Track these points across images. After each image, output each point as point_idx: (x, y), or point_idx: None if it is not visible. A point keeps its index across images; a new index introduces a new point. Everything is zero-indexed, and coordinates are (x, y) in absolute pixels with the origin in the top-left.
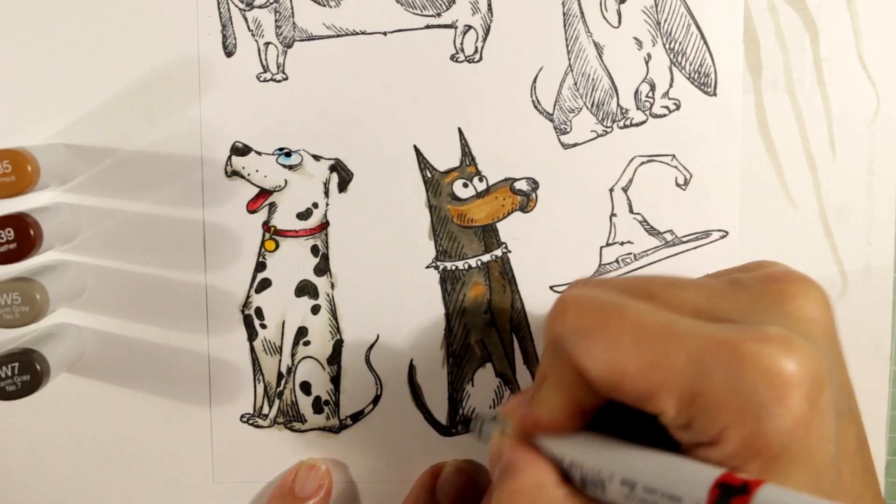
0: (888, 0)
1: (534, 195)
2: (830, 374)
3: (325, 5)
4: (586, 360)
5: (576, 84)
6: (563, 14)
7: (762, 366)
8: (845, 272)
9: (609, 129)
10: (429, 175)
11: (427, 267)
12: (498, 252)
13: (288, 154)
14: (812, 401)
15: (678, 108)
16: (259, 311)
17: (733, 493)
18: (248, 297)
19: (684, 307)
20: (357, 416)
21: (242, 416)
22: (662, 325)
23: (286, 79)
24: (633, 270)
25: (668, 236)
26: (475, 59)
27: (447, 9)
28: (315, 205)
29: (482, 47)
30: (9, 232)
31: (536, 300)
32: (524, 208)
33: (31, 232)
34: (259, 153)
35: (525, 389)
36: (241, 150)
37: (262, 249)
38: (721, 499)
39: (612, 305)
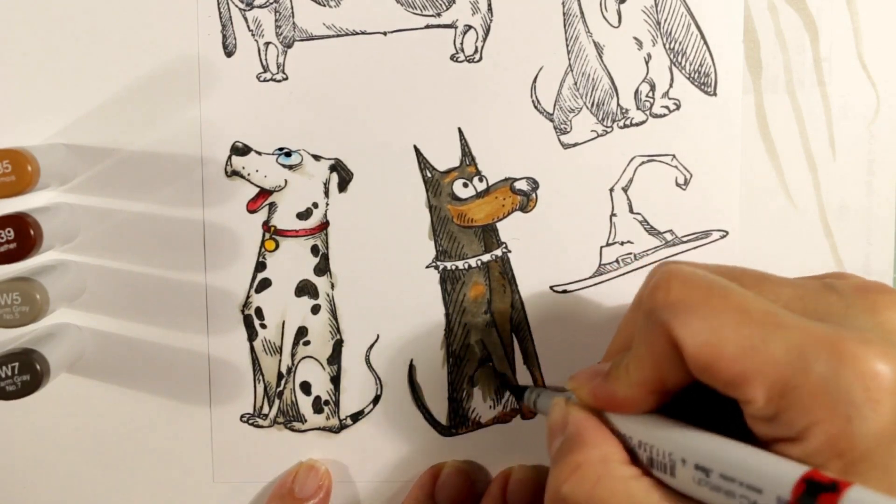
0: (888, 0)
1: (534, 195)
2: None
3: (325, 5)
4: (685, 334)
5: (576, 84)
6: (563, 14)
7: (861, 368)
8: (845, 272)
9: (609, 129)
10: (429, 175)
11: (427, 267)
12: (498, 252)
13: (288, 154)
14: None
15: (678, 108)
16: (259, 311)
17: (821, 490)
18: (248, 296)
19: (777, 301)
20: (357, 416)
21: (242, 416)
22: (766, 312)
23: (286, 79)
24: (633, 271)
25: (669, 236)
26: (475, 59)
27: (447, 9)
28: (315, 205)
29: (482, 47)
30: (9, 232)
31: (536, 300)
32: (524, 208)
33: (31, 232)
34: (259, 153)
35: (595, 365)
36: (241, 150)
37: (262, 249)
38: (807, 495)
39: (717, 284)
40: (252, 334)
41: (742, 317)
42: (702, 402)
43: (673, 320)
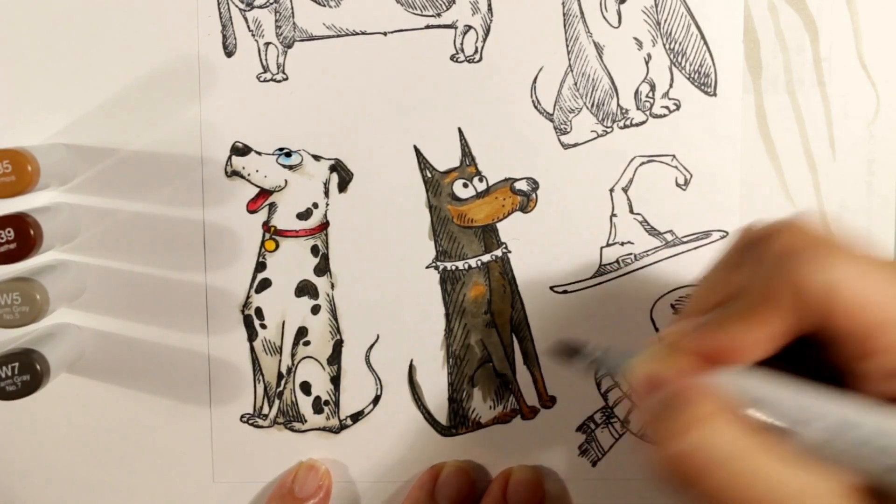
0: (888, 0)
1: (534, 195)
2: None
3: (325, 5)
4: (830, 274)
5: (576, 84)
6: (563, 14)
7: None
8: None
9: (609, 130)
10: (429, 175)
11: (427, 267)
12: (498, 252)
13: (288, 154)
14: None
15: (678, 108)
16: (259, 311)
17: None
18: (248, 297)
19: None
20: (357, 417)
21: (242, 417)
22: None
23: (286, 79)
24: (633, 271)
25: (669, 236)
26: (475, 60)
27: (447, 9)
28: (315, 205)
29: (482, 47)
30: (9, 232)
31: (537, 300)
32: (524, 208)
33: (31, 232)
34: (259, 153)
35: (684, 315)
36: (241, 150)
37: (262, 249)
38: None
39: (840, 238)
40: (252, 334)
41: (872, 266)
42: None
43: (804, 263)
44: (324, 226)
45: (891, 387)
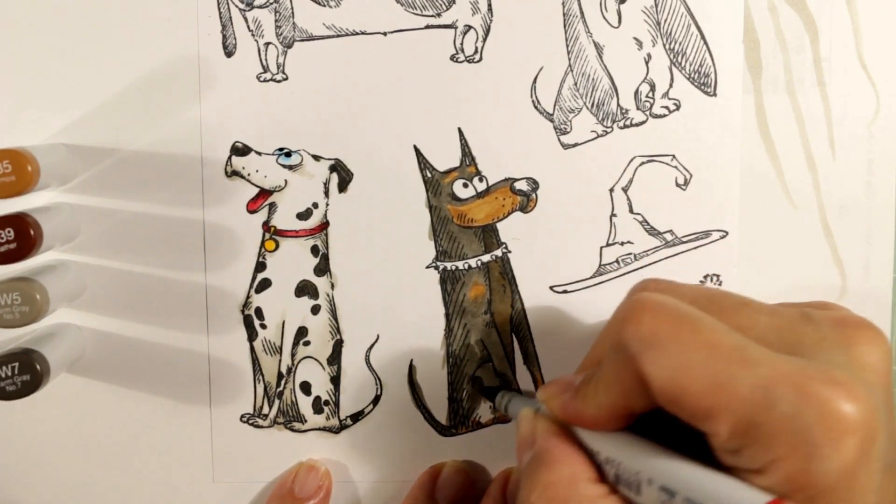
0: (888, 0)
1: (534, 195)
2: (884, 426)
3: (325, 5)
4: (652, 369)
5: (576, 84)
6: (564, 14)
7: (825, 408)
8: (845, 272)
9: (609, 130)
10: (429, 175)
11: (427, 267)
12: (498, 252)
13: (288, 154)
14: (864, 450)
15: (678, 108)
16: (259, 311)
17: None
18: (248, 297)
19: (753, 329)
20: (357, 417)
21: (242, 416)
22: (735, 348)
23: (286, 79)
24: (633, 271)
25: (668, 236)
26: (475, 60)
27: (447, 9)
28: (315, 205)
29: (482, 47)
30: (9, 232)
31: (536, 300)
32: (524, 208)
33: (31, 232)
34: (259, 153)
35: (565, 376)
36: (241, 150)
37: (262, 249)
38: None
39: (687, 318)
40: (252, 334)
41: (710, 352)
42: (670, 421)
43: (641, 354)
44: (324, 226)
45: (731, 461)
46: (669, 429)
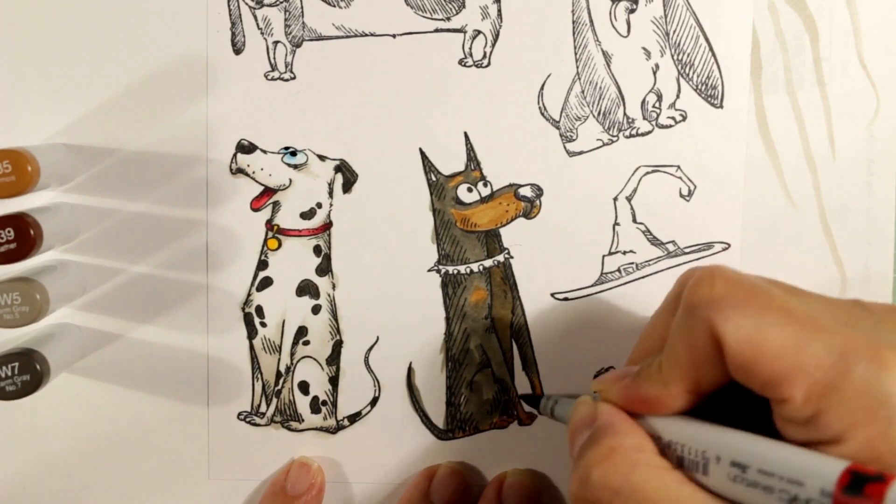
0: (888, 0)
1: (538, 202)
2: None
3: (334, 6)
4: (728, 329)
5: (583, 92)
6: (573, 22)
7: None
8: (845, 272)
9: (615, 138)
10: (433, 178)
11: (429, 270)
12: (500, 257)
13: (293, 153)
14: None
15: (684, 119)
16: (259, 310)
17: (867, 481)
18: (248, 294)
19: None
20: (354, 418)
21: (240, 414)
22: (809, 315)
23: (294, 78)
24: (634, 280)
25: (671, 247)
26: (483, 65)
27: (457, 13)
28: (319, 205)
29: (491, 52)
30: (9, 232)
31: (537, 307)
32: (528, 214)
33: (31, 232)
34: (265, 151)
35: (621, 369)
36: (246, 147)
37: (265, 248)
38: (852, 486)
39: (760, 285)
40: (252, 332)
41: (785, 317)
42: (730, 408)
43: (717, 315)
44: (327, 226)
45: (802, 434)
46: (729, 417)
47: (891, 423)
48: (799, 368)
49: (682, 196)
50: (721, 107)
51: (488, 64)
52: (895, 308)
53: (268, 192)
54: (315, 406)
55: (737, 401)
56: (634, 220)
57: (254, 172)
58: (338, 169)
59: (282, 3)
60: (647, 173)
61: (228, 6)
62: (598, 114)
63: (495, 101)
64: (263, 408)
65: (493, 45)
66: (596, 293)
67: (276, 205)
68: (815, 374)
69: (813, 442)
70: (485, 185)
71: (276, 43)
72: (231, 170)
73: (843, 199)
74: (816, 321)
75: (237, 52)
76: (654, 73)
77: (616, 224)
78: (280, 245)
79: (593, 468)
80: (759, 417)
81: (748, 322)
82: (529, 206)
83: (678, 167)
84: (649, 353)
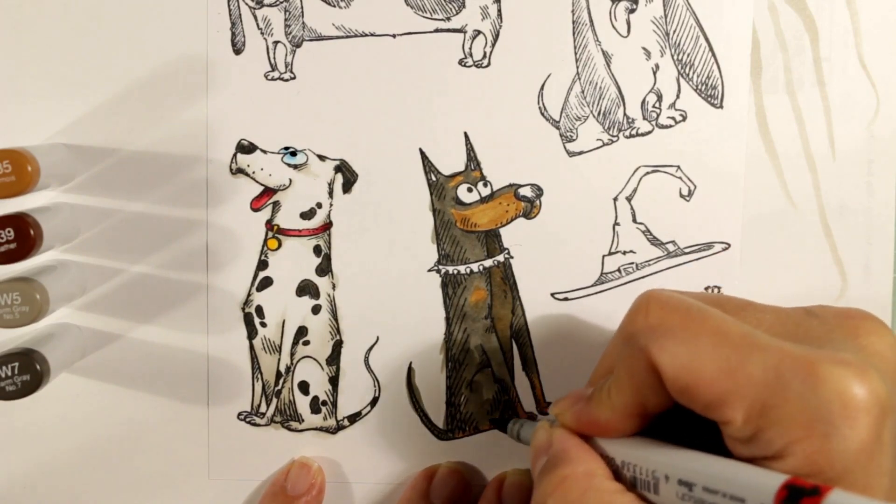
0: (888, 0)
1: (538, 202)
2: (893, 410)
3: (334, 6)
4: (664, 358)
5: (583, 92)
6: (573, 22)
7: (838, 387)
8: (845, 272)
9: (615, 138)
10: (433, 178)
11: (429, 270)
12: (500, 258)
13: (293, 153)
14: (877, 430)
15: (684, 119)
16: (259, 310)
17: (803, 495)
18: (248, 294)
19: (759, 327)
20: (354, 418)
21: (240, 414)
22: (743, 335)
23: (294, 78)
24: (634, 280)
25: (671, 247)
26: (483, 65)
27: (457, 13)
28: (319, 205)
29: (491, 53)
30: (9, 232)
31: (537, 307)
32: (528, 214)
33: (31, 232)
34: (265, 151)
35: (577, 390)
36: (246, 147)
37: (265, 248)
38: (789, 500)
39: (695, 308)
40: (252, 332)
41: (719, 339)
42: (681, 426)
43: (651, 344)
44: (327, 226)
45: (747, 451)
46: (681, 435)
47: (828, 438)
48: (734, 391)
49: (682, 196)
50: (721, 107)
51: (488, 64)
52: (847, 313)
53: (268, 192)
54: (315, 406)
55: (690, 419)
56: (634, 220)
57: (254, 172)
58: (338, 169)
59: (282, 3)
60: (647, 173)
61: (228, 6)
62: (598, 114)
63: (495, 101)
64: (263, 408)
65: (493, 45)
66: (596, 293)
67: (276, 205)
68: (752, 395)
69: (758, 458)
70: (485, 185)
71: (276, 43)
72: (231, 170)
73: (843, 198)
74: (752, 340)
75: (237, 52)
76: (654, 73)
77: (616, 224)
78: (280, 245)
79: (548, 497)
80: (712, 434)
81: (682, 350)
82: (529, 206)
83: (678, 167)
84: (604, 376)
